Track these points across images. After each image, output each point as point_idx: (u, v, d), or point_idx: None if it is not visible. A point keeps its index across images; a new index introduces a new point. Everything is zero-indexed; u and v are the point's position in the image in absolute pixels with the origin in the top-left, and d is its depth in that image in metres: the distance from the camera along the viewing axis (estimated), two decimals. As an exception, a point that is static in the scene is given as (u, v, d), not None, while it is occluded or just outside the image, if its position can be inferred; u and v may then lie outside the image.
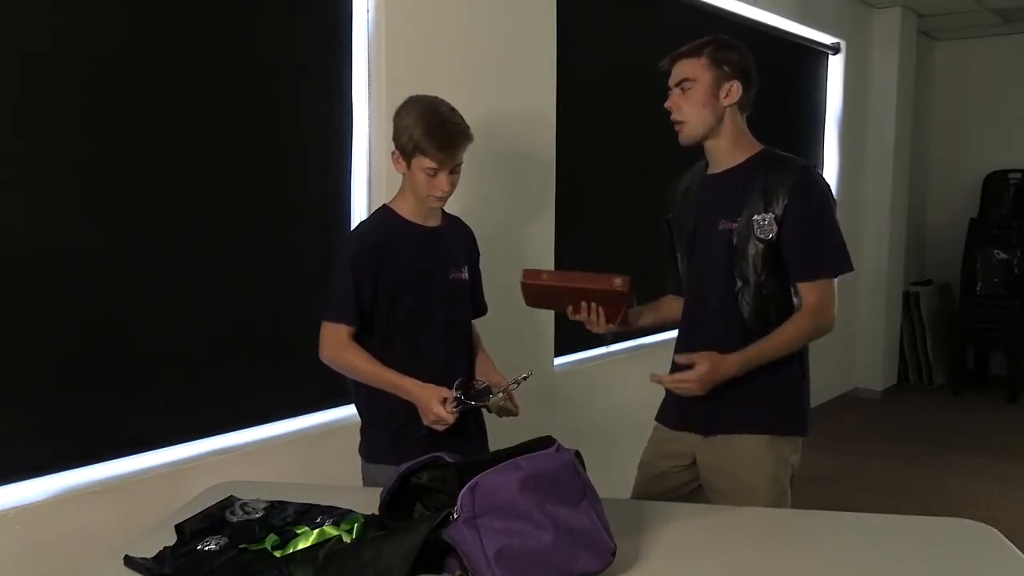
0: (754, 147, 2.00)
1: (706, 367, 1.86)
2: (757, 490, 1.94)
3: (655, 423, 2.16)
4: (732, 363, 1.89)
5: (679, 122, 1.97)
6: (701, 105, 1.93)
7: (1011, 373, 6.19)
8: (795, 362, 2.00)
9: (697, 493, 2.07)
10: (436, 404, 1.88)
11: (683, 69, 1.95)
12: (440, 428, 1.91)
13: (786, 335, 1.93)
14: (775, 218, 1.90)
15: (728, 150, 1.98)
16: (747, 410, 1.95)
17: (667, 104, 1.99)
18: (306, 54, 2.68)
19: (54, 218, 2.14)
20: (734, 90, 1.94)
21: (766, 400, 1.96)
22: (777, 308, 1.96)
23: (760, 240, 1.91)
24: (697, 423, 2.01)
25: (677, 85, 1.96)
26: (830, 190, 1.99)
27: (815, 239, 1.92)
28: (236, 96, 2.50)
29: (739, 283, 1.95)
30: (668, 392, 2.12)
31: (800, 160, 1.98)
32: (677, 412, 2.06)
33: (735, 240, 1.93)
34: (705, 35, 2.00)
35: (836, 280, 2.00)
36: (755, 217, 1.91)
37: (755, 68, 1.99)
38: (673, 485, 2.09)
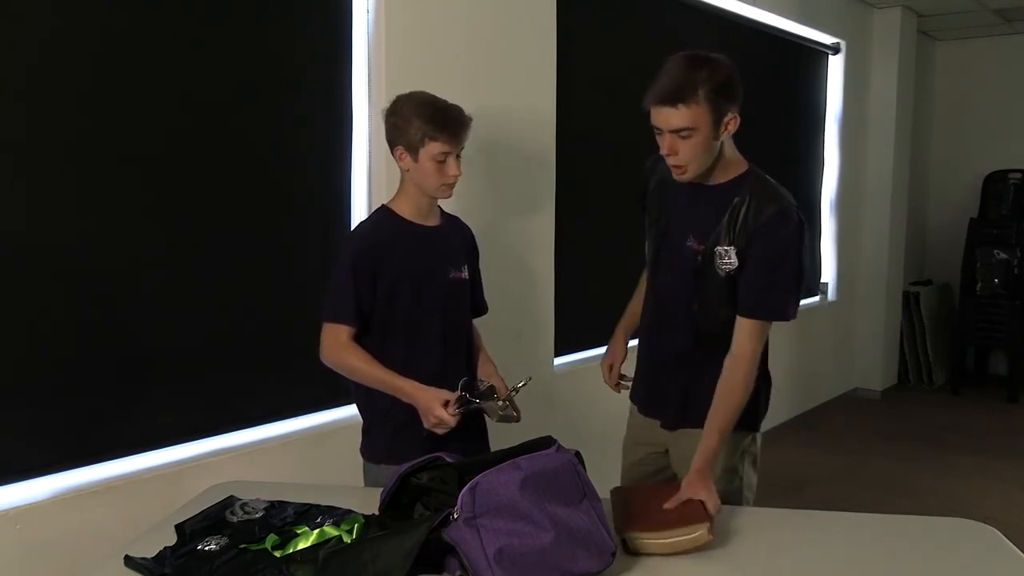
0: (739, 167, 1.92)
1: (704, 496, 1.73)
2: (717, 480, 1.91)
3: (630, 402, 2.19)
4: (705, 469, 1.79)
5: (679, 166, 1.85)
6: (703, 151, 1.82)
7: (1011, 373, 6.18)
8: None
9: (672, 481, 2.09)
10: (438, 407, 1.88)
11: (680, 117, 1.76)
12: (441, 431, 1.90)
13: (729, 401, 1.85)
14: (737, 251, 1.86)
15: (714, 172, 1.91)
16: (700, 408, 1.95)
17: (663, 151, 1.84)
18: (306, 54, 2.68)
19: (54, 218, 2.14)
20: (732, 124, 1.83)
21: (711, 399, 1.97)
22: (732, 328, 1.92)
23: (721, 270, 1.89)
24: (663, 418, 2.06)
25: (674, 132, 1.79)
26: (801, 232, 1.87)
27: (768, 283, 1.87)
28: (236, 96, 2.50)
29: (696, 305, 1.94)
30: (638, 373, 2.16)
31: (778, 195, 1.88)
32: (646, 398, 2.13)
33: (699, 263, 1.91)
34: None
35: (770, 324, 1.91)
36: (717, 248, 1.88)
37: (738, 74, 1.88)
38: (652, 471, 2.13)
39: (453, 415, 1.88)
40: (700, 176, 1.91)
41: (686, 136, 1.79)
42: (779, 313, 1.90)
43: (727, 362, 1.88)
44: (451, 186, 2.01)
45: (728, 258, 1.87)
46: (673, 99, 1.76)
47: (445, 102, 2.00)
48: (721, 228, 1.88)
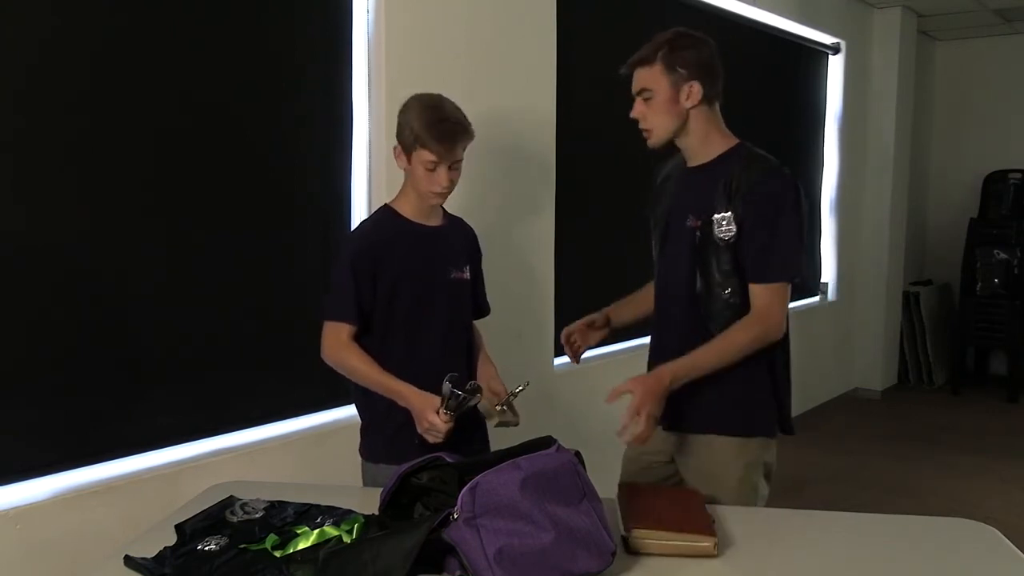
0: (728, 142, 1.97)
1: (639, 394, 1.78)
2: (726, 489, 1.92)
3: None
4: (664, 377, 1.82)
5: (645, 130, 1.95)
6: (663, 113, 1.91)
7: (1011, 373, 6.18)
8: (761, 364, 1.96)
9: (681, 486, 2.07)
10: (430, 412, 1.84)
11: (641, 78, 1.91)
12: (432, 438, 1.85)
13: (727, 342, 1.87)
14: (735, 217, 1.87)
15: (699, 147, 1.96)
16: (713, 411, 1.94)
17: (632, 114, 1.95)
18: (306, 54, 2.68)
19: (54, 218, 2.14)
20: (695, 91, 1.90)
21: (730, 402, 1.95)
22: (740, 311, 1.92)
23: (720, 240, 1.89)
24: (669, 422, 2.01)
25: (638, 94, 1.93)
26: (797, 193, 1.92)
27: (769, 242, 1.87)
28: (236, 96, 2.50)
29: (700, 283, 1.93)
30: None
31: (769, 161, 1.94)
32: None
33: (698, 238, 1.92)
34: (669, 30, 1.97)
35: (788, 286, 1.92)
36: (715, 216, 1.89)
37: (718, 58, 1.95)
38: (657, 478, 2.10)
39: (445, 421, 1.83)
40: (689, 156, 1.99)
41: (647, 98, 1.92)
42: (790, 270, 1.90)
43: (742, 320, 1.87)
44: (439, 195, 1.98)
45: (726, 224, 1.88)
46: (635, 63, 1.93)
47: (450, 110, 1.95)
48: (717, 198, 1.89)
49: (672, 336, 2.02)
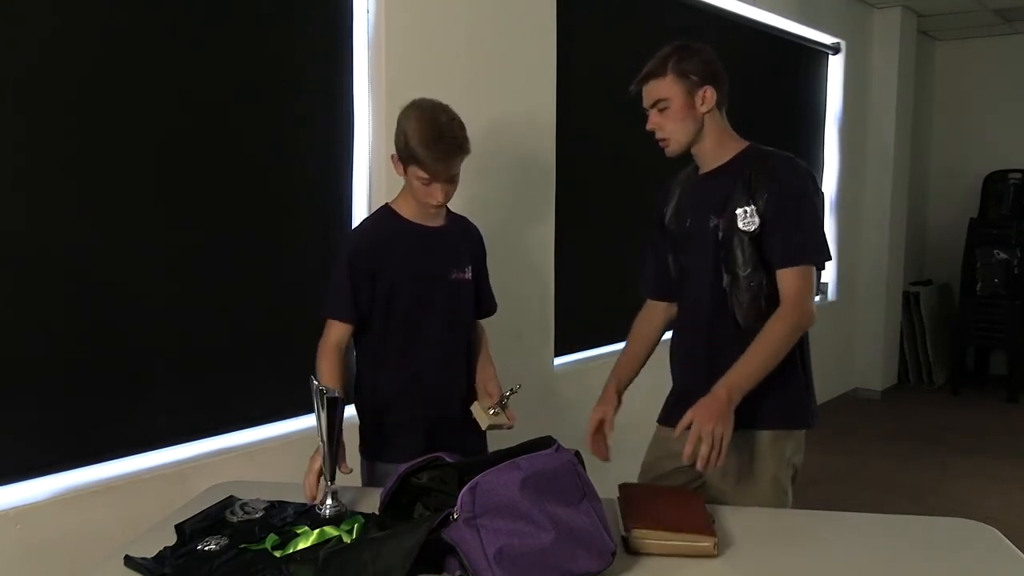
0: (739, 144, 2.00)
1: (692, 415, 1.76)
2: (758, 491, 1.93)
3: (657, 424, 2.16)
4: (720, 394, 1.79)
5: (663, 139, 1.98)
6: (680, 120, 1.94)
7: (1011, 373, 6.18)
8: (791, 351, 1.95)
9: (699, 492, 2.06)
10: (312, 473, 1.70)
11: (654, 90, 1.95)
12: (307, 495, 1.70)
13: (768, 337, 1.87)
14: (757, 210, 1.90)
15: (713, 151, 1.99)
16: (746, 407, 1.94)
17: (648, 126, 1.99)
18: (306, 54, 2.68)
19: (55, 219, 2.14)
20: (708, 96, 1.94)
21: (763, 395, 1.92)
22: (768, 302, 1.92)
23: (744, 233, 1.91)
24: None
25: (653, 106, 1.97)
26: (814, 181, 1.97)
27: (793, 227, 1.90)
28: (236, 96, 2.50)
29: (727, 278, 1.94)
30: (671, 393, 2.12)
31: (783, 153, 1.98)
32: (679, 414, 2.05)
33: (721, 235, 1.94)
34: (707, 38, 1.99)
35: (815, 270, 1.94)
36: (737, 210, 1.91)
37: (720, 63, 1.98)
38: (676, 485, 2.08)
39: (314, 481, 1.69)
40: (703, 162, 2.01)
41: (663, 108, 1.95)
42: (816, 254, 1.92)
43: (773, 316, 1.88)
44: (434, 207, 1.97)
45: (748, 217, 1.90)
46: (647, 76, 1.97)
47: (445, 127, 1.90)
48: (737, 194, 1.92)
49: (700, 336, 2.01)
